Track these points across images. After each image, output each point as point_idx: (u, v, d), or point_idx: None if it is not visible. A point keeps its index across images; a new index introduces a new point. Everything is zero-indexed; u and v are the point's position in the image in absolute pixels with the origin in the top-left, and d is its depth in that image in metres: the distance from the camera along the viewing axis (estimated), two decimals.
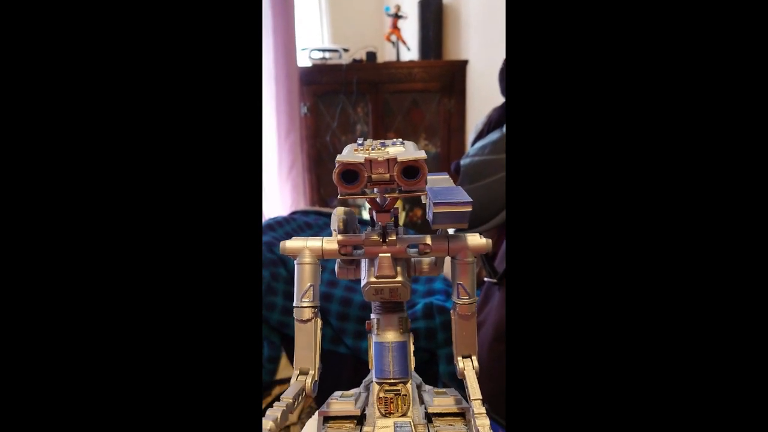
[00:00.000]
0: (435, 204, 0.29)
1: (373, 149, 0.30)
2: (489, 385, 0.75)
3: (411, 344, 0.36)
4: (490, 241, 0.32)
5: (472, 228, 0.96)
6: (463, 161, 0.81)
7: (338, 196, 0.30)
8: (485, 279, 0.84)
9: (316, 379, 0.33)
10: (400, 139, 0.32)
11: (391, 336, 0.35)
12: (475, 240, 0.32)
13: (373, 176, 0.29)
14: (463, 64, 1.90)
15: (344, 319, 1.01)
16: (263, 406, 0.98)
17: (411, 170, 0.28)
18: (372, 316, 0.36)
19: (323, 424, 0.35)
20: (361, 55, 2.00)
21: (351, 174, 0.29)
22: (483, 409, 0.29)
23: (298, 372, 0.33)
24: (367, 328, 0.36)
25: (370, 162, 0.29)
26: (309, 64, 1.92)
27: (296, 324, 0.33)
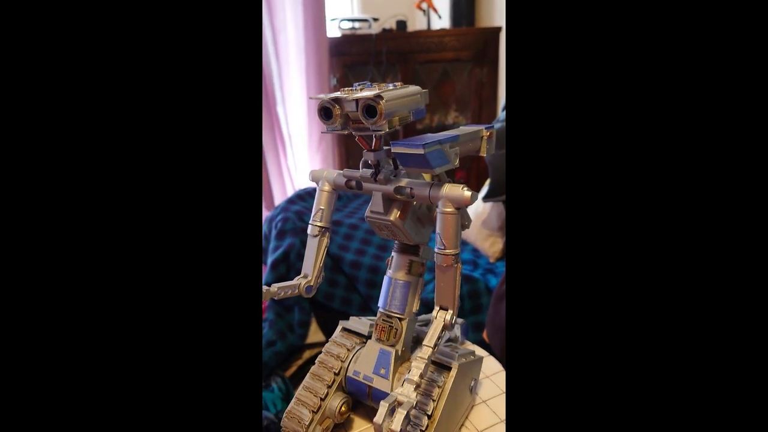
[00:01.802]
0: (393, 144, 0.31)
1: (354, 90, 0.32)
2: None
3: (419, 288, 0.38)
4: (469, 193, 0.31)
5: (500, 194, 0.95)
6: (495, 126, 0.80)
7: (321, 132, 0.33)
8: None
9: (311, 284, 0.38)
10: (393, 84, 0.33)
11: (399, 275, 0.38)
12: (455, 190, 0.32)
13: (349, 114, 0.32)
14: (497, 31, 1.85)
15: (372, 287, 1.02)
16: (294, 368, 1.01)
17: (370, 109, 0.30)
18: (392, 253, 0.39)
19: (339, 332, 0.42)
20: (391, 24, 1.97)
21: (328, 111, 0.32)
22: (426, 355, 0.31)
23: (301, 275, 0.38)
24: (386, 263, 0.40)
25: (338, 100, 0.31)
26: (338, 34, 1.90)
27: (308, 238, 0.38)
